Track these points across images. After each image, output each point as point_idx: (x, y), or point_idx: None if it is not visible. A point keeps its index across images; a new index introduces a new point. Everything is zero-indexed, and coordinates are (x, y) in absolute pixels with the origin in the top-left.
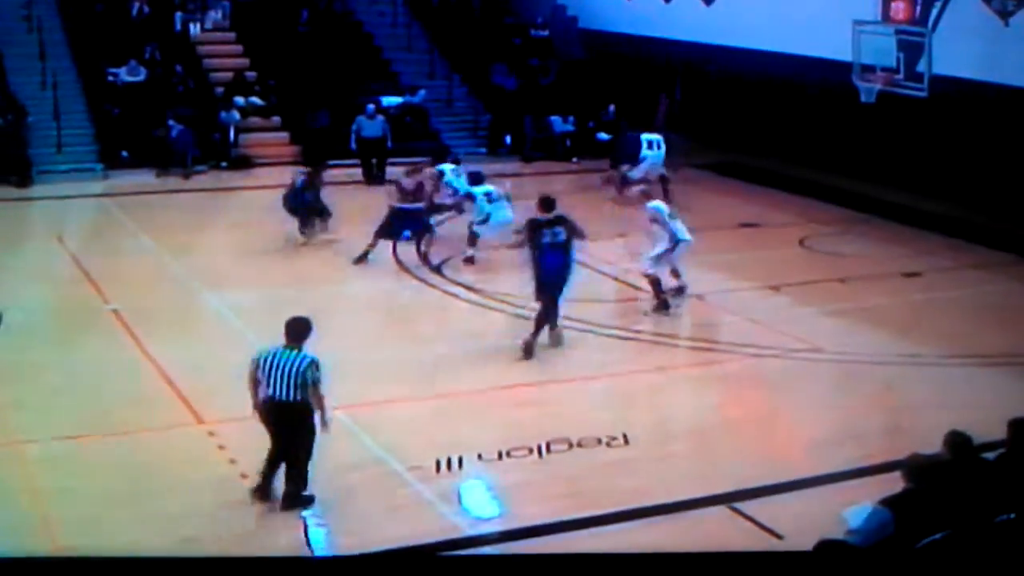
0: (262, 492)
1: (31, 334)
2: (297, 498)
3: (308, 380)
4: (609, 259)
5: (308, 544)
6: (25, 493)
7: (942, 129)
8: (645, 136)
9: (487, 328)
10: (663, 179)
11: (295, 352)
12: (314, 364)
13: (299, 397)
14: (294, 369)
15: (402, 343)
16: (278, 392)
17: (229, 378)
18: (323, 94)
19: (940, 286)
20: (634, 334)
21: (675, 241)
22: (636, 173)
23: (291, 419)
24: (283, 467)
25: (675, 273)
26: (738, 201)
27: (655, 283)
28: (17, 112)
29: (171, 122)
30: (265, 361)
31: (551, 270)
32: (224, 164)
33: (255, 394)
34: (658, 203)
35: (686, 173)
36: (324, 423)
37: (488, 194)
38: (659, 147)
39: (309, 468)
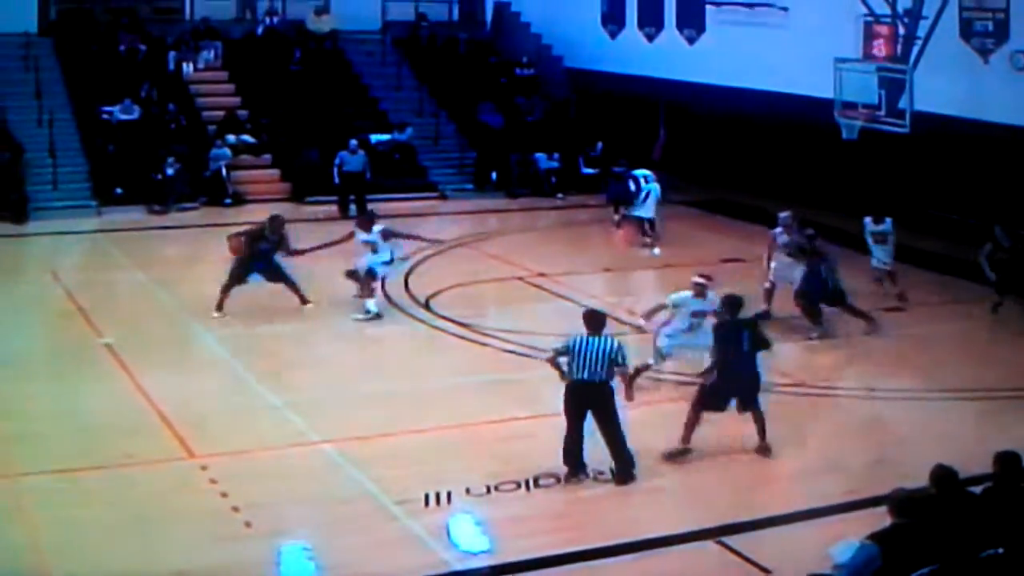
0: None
1: (25, 367)
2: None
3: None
4: (594, 293)
5: None
6: (19, 525)
7: (924, 165)
8: (639, 172)
9: (474, 363)
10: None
11: (601, 339)
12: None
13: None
14: (603, 353)
15: (390, 377)
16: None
17: (220, 411)
18: (313, 132)
19: (923, 321)
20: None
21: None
22: (646, 213)
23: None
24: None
25: None
26: (721, 236)
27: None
28: (14, 150)
29: (170, 159)
30: (576, 347)
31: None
32: (228, 201)
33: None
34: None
35: (670, 210)
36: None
37: (383, 232)
38: (654, 181)
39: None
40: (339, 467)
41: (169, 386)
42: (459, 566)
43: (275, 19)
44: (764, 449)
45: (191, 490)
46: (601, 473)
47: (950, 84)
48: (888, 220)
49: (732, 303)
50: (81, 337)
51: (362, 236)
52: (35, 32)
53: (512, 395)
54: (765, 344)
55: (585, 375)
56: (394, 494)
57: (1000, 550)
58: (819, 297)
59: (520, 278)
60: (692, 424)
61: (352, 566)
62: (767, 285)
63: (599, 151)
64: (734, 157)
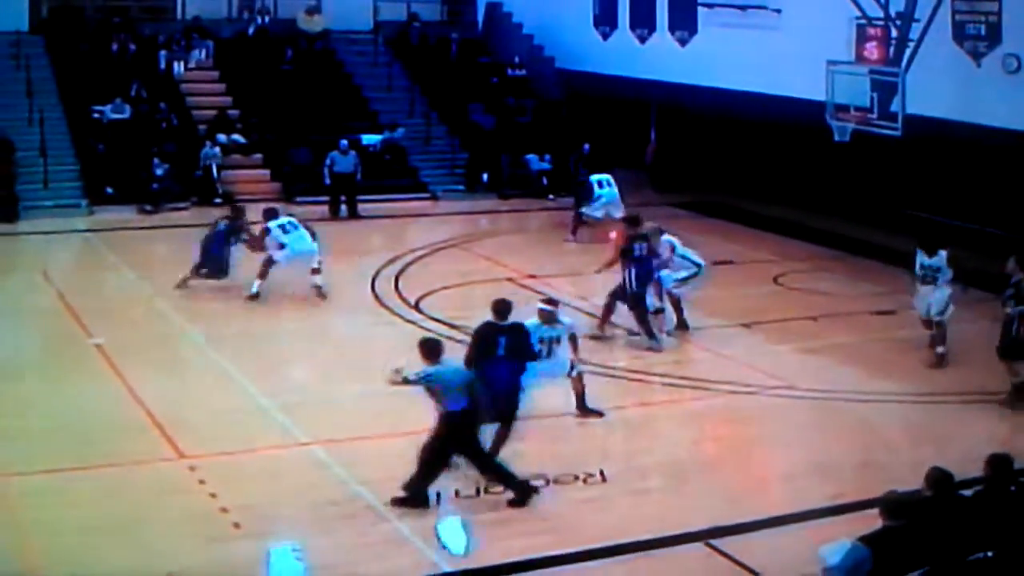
0: None
1: (15, 367)
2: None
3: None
4: (584, 294)
5: None
6: (7, 526)
7: (916, 168)
8: (595, 177)
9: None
10: (624, 220)
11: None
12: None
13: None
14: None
15: (379, 378)
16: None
17: (210, 412)
18: (303, 132)
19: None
20: (610, 371)
21: (697, 264)
22: (595, 212)
23: None
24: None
25: (659, 296)
26: (713, 239)
27: (676, 304)
28: (4, 148)
29: (156, 160)
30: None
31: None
32: (218, 200)
33: None
34: (669, 236)
35: (662, 212)
36: None
37: (282, 226)
38: (610, 185)
39: None
40: (328, 468)
41: (159, 386)
42: (448, 567)
43: (266, 18)
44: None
45: (180, 491)
46: (591, 475)
47: (942, 87)
48: (942, 252)
49: (497, 308)
50: (71, 337)
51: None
52: (26, 30)
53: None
54: (524, 352)
55: (465, 404)
56: (383, 495)
57: (990, 553)
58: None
59: (510, 279)
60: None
61: (341, 567)
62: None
63: (586, 152)
64: (725, 159)
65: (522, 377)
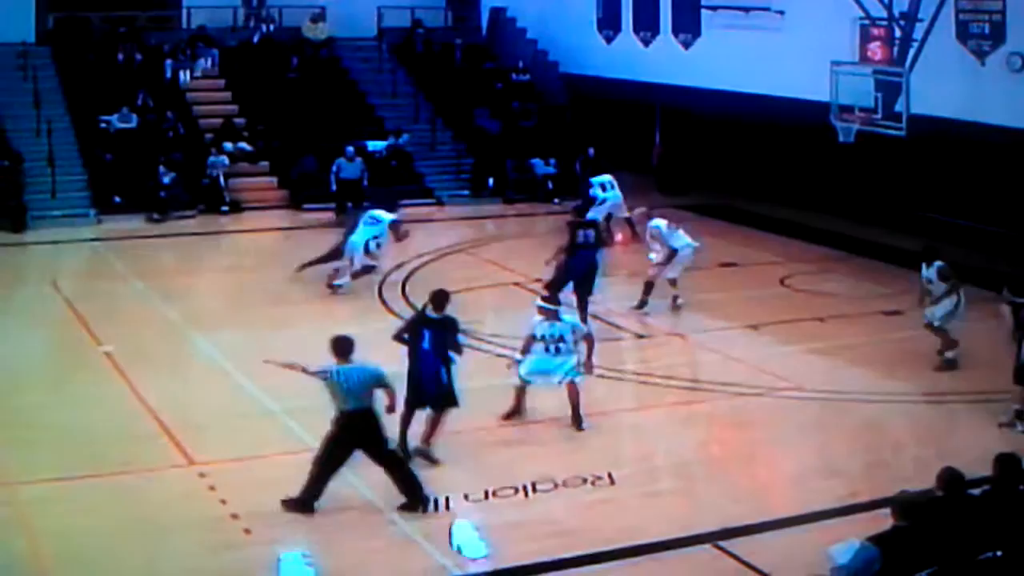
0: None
1: (25, 375)
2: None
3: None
4: (591, 298)
5: None
6: (19, 532)
7: (921, 168)
8: (596, 179)
9: (472, 368)
10: (628, 221)
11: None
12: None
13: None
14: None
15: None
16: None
17: (219, 419)
18: (309, 139)
19: (920, 324)
20: (618, 374)
21: (673, 250)
22: (597, 215)
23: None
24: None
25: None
26: (719, 241)
27: (649, 285)
28: (13, 159)
29: (162, 169)
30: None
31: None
32: (225, 209)
33: None
34: (657, 221)
35: (667, 214)
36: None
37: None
38: (613, 187)
39: None
40: (337, 473)
41: (168, 393)
42: (458, 571)
43: (271, 27)
44: (421, 453)
45: (190, 497)
46: (599, 478)
47: (946, 86)
48: (935, 265)
49: (432, 299)
50: (81, 345)
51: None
52: (32, 41)
53: (509, 400)
54: (449, 346)
55: (357, 404)
56: (392, 499)
57: (999, 553)
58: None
59: (517, 284)
60: (404, 421)
61: (351, 572)
62: None
63: (591, 156)
64: (730, 161)
65: (445, 370)
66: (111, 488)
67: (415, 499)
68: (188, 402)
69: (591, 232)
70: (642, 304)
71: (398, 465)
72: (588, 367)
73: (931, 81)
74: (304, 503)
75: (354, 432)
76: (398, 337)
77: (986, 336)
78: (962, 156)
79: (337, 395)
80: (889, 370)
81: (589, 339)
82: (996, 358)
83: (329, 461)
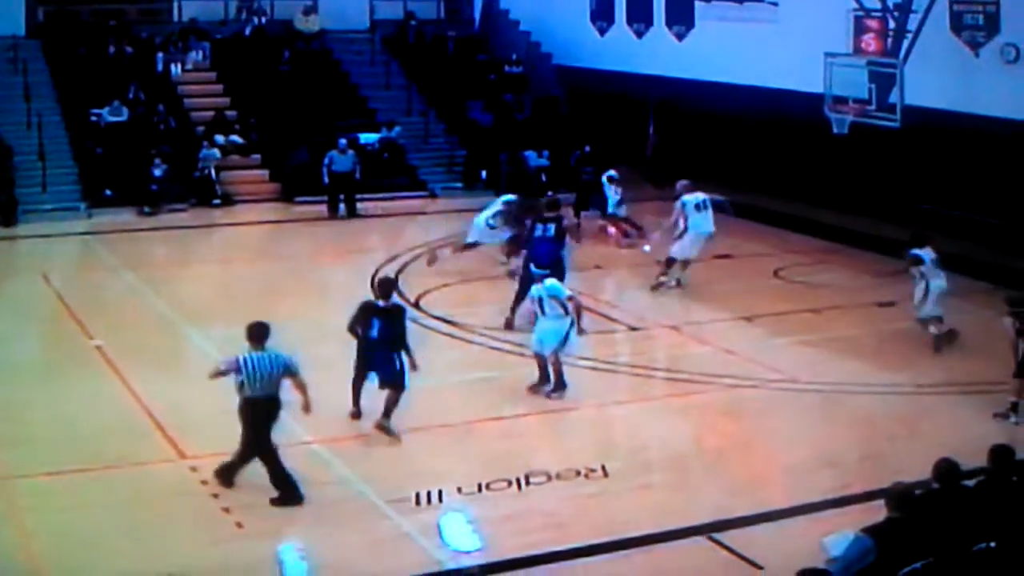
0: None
1: (17, 370)
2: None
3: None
4: (583, 290)
5: None
6: (10, 528)
7: (915, 159)
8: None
9: (465, 361)
10: (626, 219)
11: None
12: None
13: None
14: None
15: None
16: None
17: (211, 413)
18: (302, 132)
19: (914, 315)
20: (611, 366)
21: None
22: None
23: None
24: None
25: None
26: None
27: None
28: (3, 152)
29: (157, 160)
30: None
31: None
32: (216, 202)
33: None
34: (689, 196)
35: (661, 206)
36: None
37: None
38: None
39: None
40: (330, 466)
41: (160, 387)
42: (451, 564)
43: (263, 19)
44: (380, 427)
45: (182, 492)
46: (593, 471)
47: (941, 78)
48: (918, 251)
49: (379, 287)
50: (72, 339)
51: None
52: (23, 35)
53: (503, 393)
54: (398, 334)
55: (262, 391)
56: (385, 493)
57: (993, 543)
58: None
59: (510, 276)
60: (355, 389)
61: (344, 565)
62: None
63: (588, 152)
64: (724, 153)
65: (397, 357)
66: (102, 482)
67: (288, 495)
68: (179, 396)
69: (551, 226)
70: (660, 285)
71: (273, 460)
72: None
73: (925, 72)
74: (285, 495)
75: (258, 418)
76: (351, 329)
77: (979, 327)
78: (956, 147)
79: (244, 382)
80: (883, 361)
81: (578, 307)
82: (989, 349)
83: (253, 443)
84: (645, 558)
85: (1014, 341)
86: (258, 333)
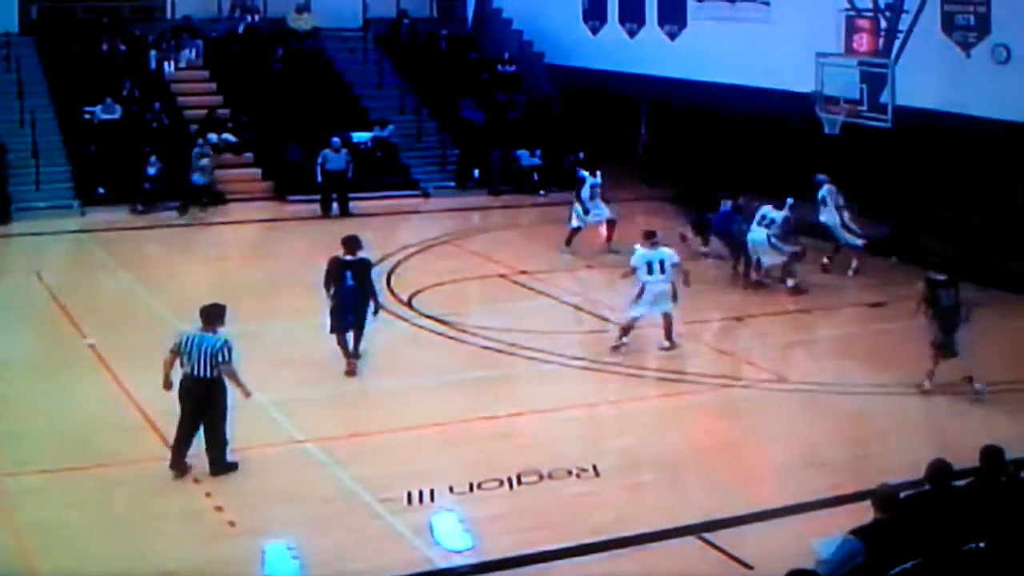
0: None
1: (9, 368)
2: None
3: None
4: (575, 290)
5: None
6: (2, 526)
7: (906, 159)
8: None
9: (457, 360)
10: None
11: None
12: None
13: (214, 374)
14: (208, 350)
15: (373, 376)
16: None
17: None
18: (294, 130)
19: (905, 315)
20: (602, 366)
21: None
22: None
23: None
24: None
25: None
26: None
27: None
28: None
29: (152, 159)
30: (185, 343)
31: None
32: (205, 200)
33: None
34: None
35: (650, 205)
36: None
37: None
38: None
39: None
40: (322, 465)
41: (153, 386)
42: (442, 564)
43: (256, 17)
44: (352, 369)
45: (175, 490)
46: (584, 470)
47: (932, 78)
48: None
49: (345, 244)
50: (65, 337)
51: None
52: (16, 32)
53: (495, 392)
54: (366, 285)
55: (193, 371)
56: (377, 492)
57: (982, 544)
58: None
59: (502, 275)
60: (340, 339)
61: (336, 564)
62: None
63: (582, 159)
64: (715, 152)
65: (366, 304)
66: (95, 481)
67: (220, 466)
68: (172, 394)
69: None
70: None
71: (217, 441)
72: None
73: (916, 73)
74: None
75: (191, 398)
76: (326, 284)
77: (972, 328)
78: (948, 148)
79: (182, 360)
80: (873, 362)
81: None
82: (979, 350)
83: (180, 425)
84: (637, 558)
85: (918, 303)
86: (208, 315)
